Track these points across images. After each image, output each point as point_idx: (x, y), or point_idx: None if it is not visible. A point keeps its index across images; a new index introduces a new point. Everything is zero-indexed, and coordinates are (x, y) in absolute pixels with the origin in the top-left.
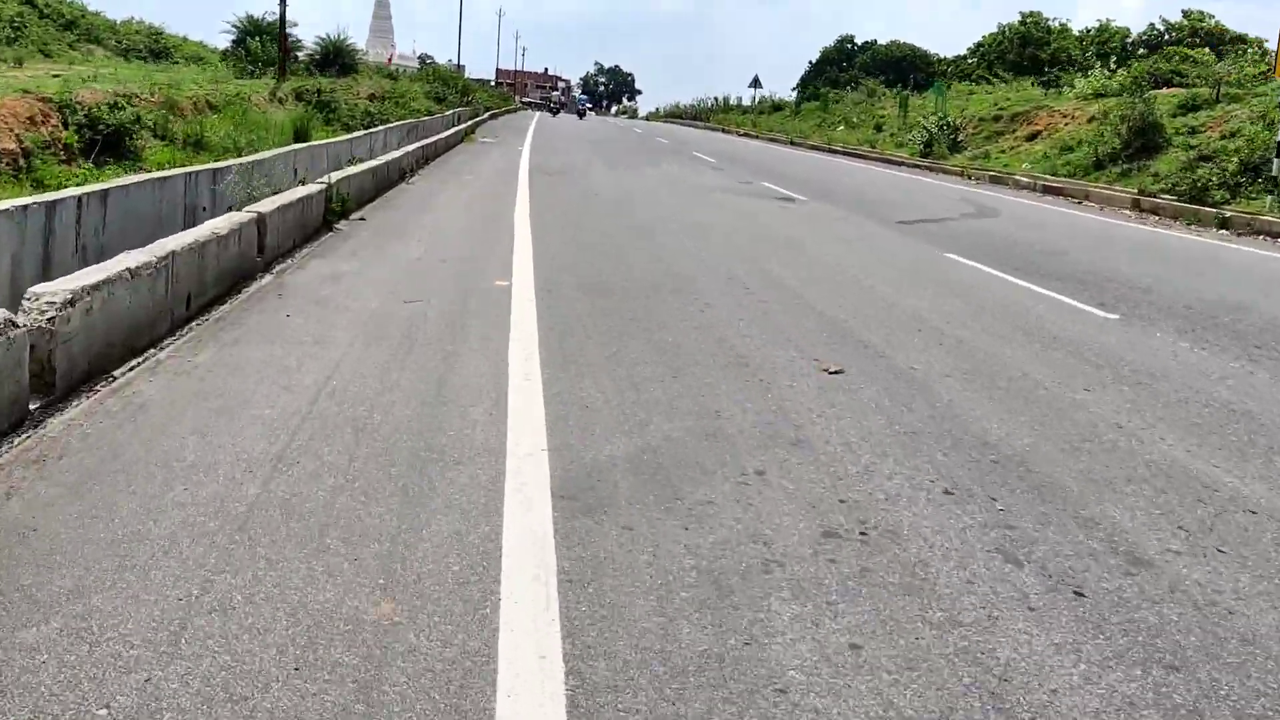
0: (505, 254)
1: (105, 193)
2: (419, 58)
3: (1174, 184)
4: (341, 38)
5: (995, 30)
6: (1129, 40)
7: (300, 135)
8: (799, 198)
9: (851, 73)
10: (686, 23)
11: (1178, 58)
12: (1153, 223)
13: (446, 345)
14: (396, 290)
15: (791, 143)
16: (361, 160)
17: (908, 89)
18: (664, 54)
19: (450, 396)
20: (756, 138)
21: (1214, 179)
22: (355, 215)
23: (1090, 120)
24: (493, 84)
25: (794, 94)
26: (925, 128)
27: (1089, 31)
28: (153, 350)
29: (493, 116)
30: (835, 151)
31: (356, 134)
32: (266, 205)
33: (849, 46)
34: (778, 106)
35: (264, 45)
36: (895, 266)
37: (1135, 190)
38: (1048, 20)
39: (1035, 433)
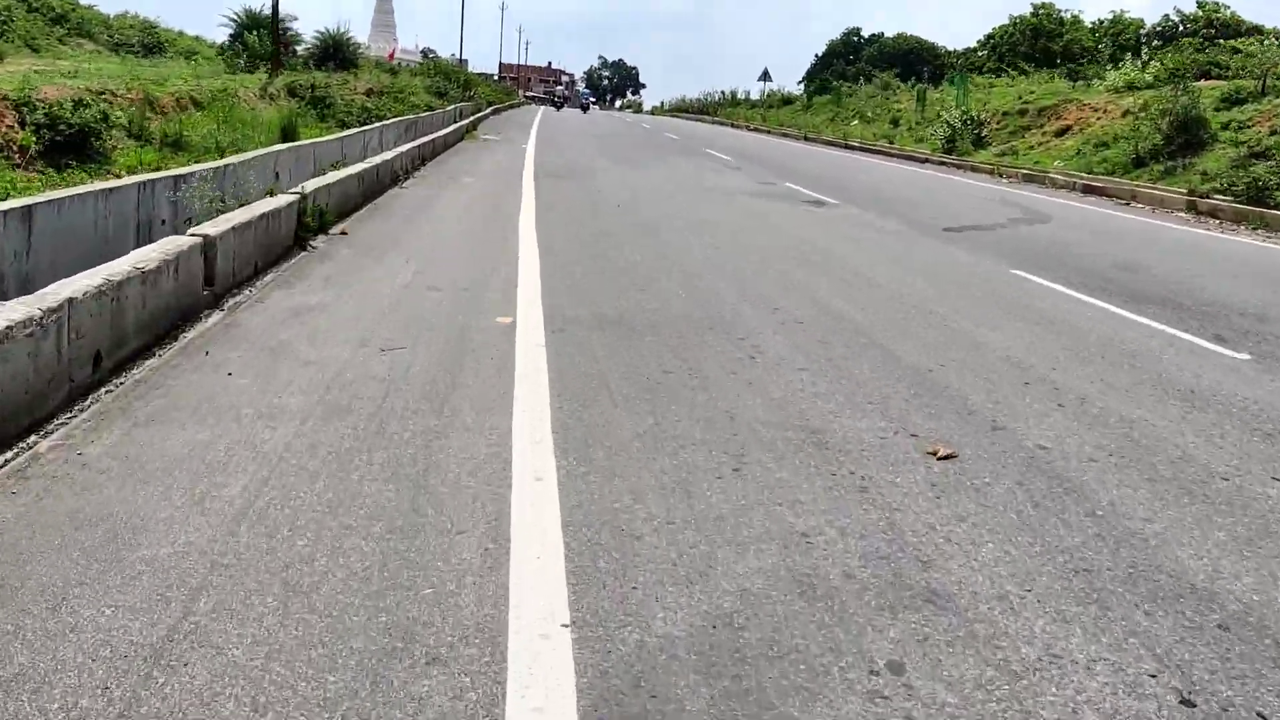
0: (508, 278)
1: (28, 210)
2: (422, 52)
3: (1229, 184)
4: (341, 32)
5: (1006, 22)
6: (1143, 32)
7: (288, 134)
8: (829, 200)
9: (859, 66)
10: (690, 16)
11: (1213, 48)
12: (1214, 227)
13: (430, 420)
14: (374, 331)
15: (805, 138)
16: (352, 161)
17: (923, 82)
18: (668, 48)
19: (429, 516)
20: (768, 133)
21: (1274, 179)
22: (336, 229)
23: (1125, 115)
24: (496, 78)
25: (801, 88)
26: (947, 122)
27: (1101, 23)
28: (34, 437)
29: (495, 112)
30: (851, 147)
31: (349, 132)
32: (217, 226)
33: (855, 39)
34: (787, 100)
35: (262, 40)
36: (964, 289)
37: (1186, 190)
38: (1060, 11)
39: (1252, 564)
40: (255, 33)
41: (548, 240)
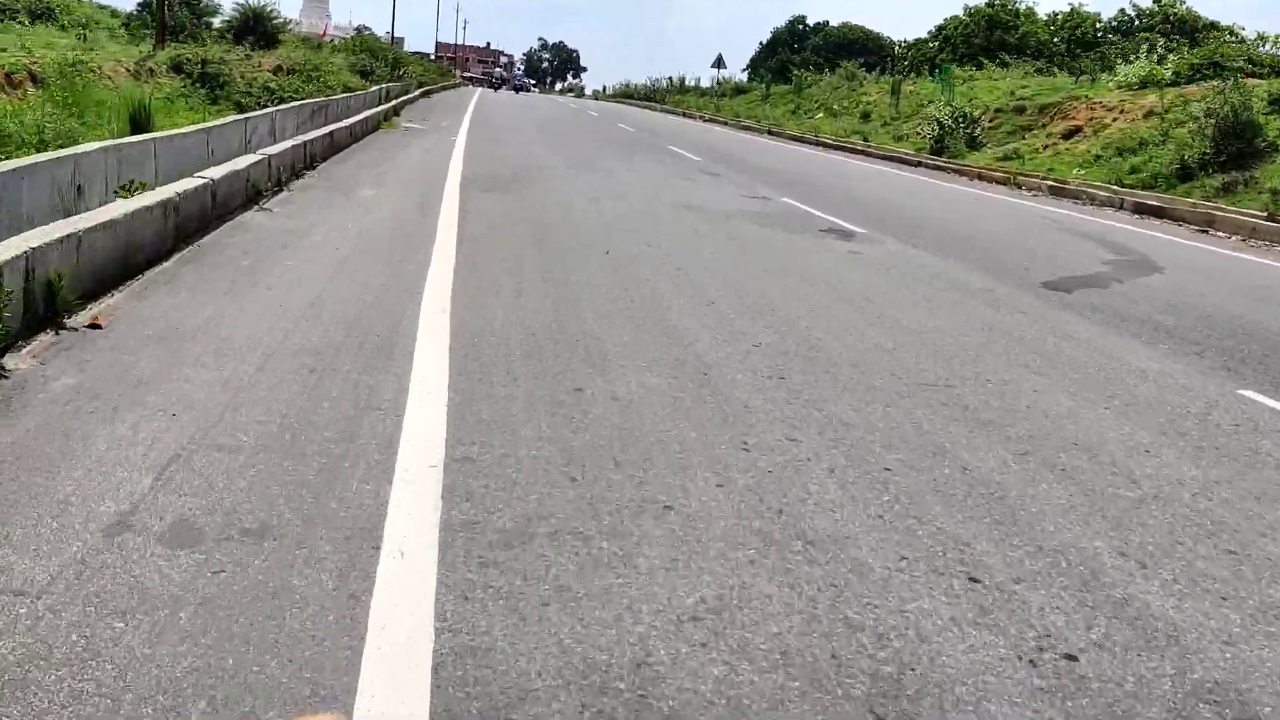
0: (378, 463)
1: None
2: (356, 30)
3: None
4: (262, 4)
5: (961, 13)
6: (1098, 26)
7: (138, 123)
8: (855, 229)
9: (804, 55)
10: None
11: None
12: None
13: None
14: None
15: (769, 132)
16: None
17: (898, 73)
18: (610, 31)
19: None
20: (725, 124)
21: None
22: (86, 314)
23: (1148, 115)
24: (432, 58)
25: (745, 75)
26: (936, 120)
27: (1057, 16)
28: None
29: (426, 94)
30: (824, 145)
31: (222, 121)
32: None
33: (800, 27)
34: (741, 89)
35: (175, 9)
36: (1229, 461)
37: (1265, 213)
38: (1014, 3)
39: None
40: (166, 1)
41: (469, 331)
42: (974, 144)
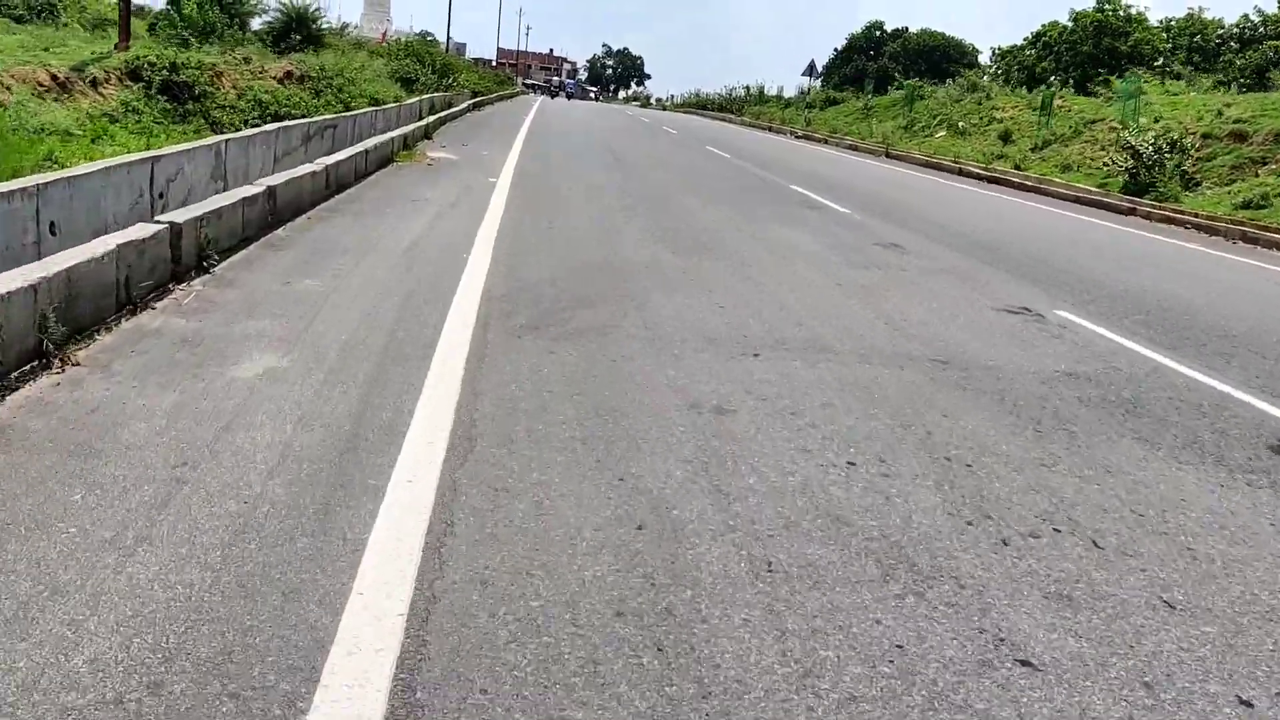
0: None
1: None
2: (419, 35)
3: None
4: (306, 5)
5: (1066, 18)
6: (1220, 33)
7: None
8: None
9: (881, 62)
10: (697, 4)
11: None
12: None
13: None
14: None
15: (888, 154)
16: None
17: (1050, 84)
18: (671, 39)
19: None
20: (823, 142)
21: None
22: None
23: None
24: (493, 64)
25: (819, 84)
26: (1132, 147)
27: (1172, 22)
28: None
29: (476, 106)
30: (969, 175)
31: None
32: None
33: (877, 34)
34: (832, 100)
35: (204, 8)
36: None
37: None
38: (1126, 8)
39: None
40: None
41: None
42: (1188, 182)
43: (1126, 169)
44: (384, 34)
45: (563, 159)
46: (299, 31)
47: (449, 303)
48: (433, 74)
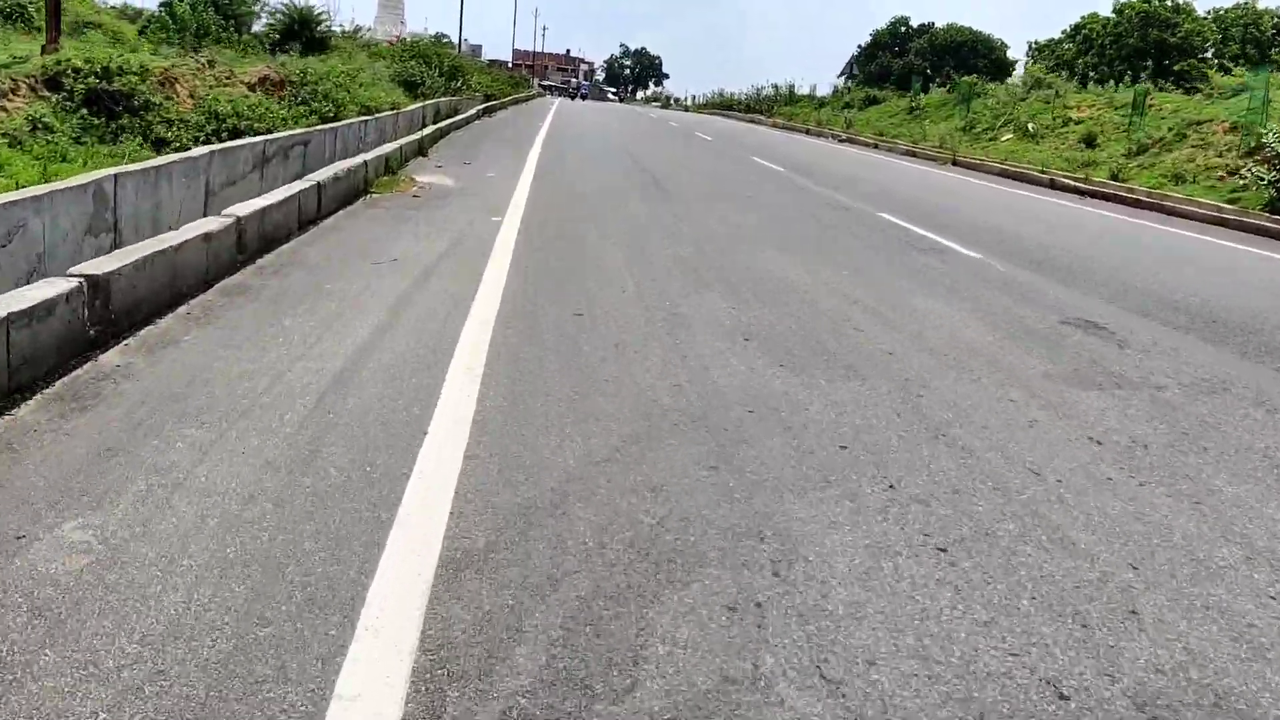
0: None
1: None
2: (434, 37)
3: None
4: (309, 6)
5: (1102, 10)
6: (1276, 23)
7: None
8: None
9: (907, 59)
10: (711, 2)
11: None
12: None
13: None
14: None
15: (955, 163)
16: None
17: (1142, 78)
18: (689, 38)
19: None
20: (872, 146)
21: None
22: None
23: None
24: (509, 66)
25: (842, 81)
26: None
27: (1224, 13)
28: None
29: (487, 113)
30: (1069, 188)
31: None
32: None
33: (903, 29)
34: (872, 99)
35: (197, 9)
36: None
37: None
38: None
39: None
40: (187, 1)
41: None
42: None
43: (1272, 182)
44: (398, 36)
45: (587, 181)
46: (302, 34)
47: (354, 626)
48: (440, 77)
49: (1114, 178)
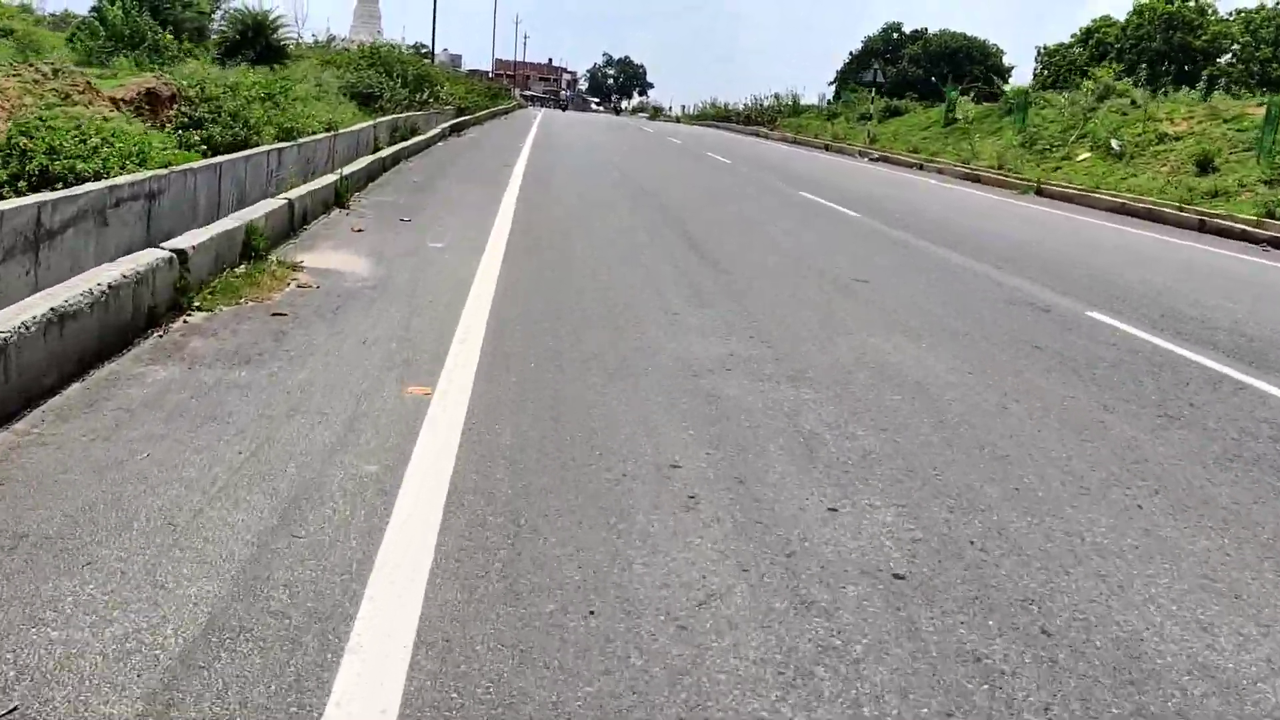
0: None
1: None
2: (411, 48)
3: None
4: (263, 12)
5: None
6: None
7: None
8: None
9: (900, 65)
10: (702, 10)
11: None
12: None
13: None
14: None
15: (1040, 192)
16: None
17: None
18: (675, 45)
19: None
20: (918, 167)
21: None
22: None
23: None
24: (489, 76)
25: (833, 90)
26: None
27: (1250, 16)
28: None
29: (455, 130)
30: (1230, 233)
31: None
32: None
33: (895, 35)
34: (894, 110)
35: (130, 14)
36: None
37: None
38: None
39: None
40: (119, 5)
41: None
42: None
43: None
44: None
45: (592, 248)
46: (256, 41)
47: None
48: (403, 88)
49: (1271, 215)
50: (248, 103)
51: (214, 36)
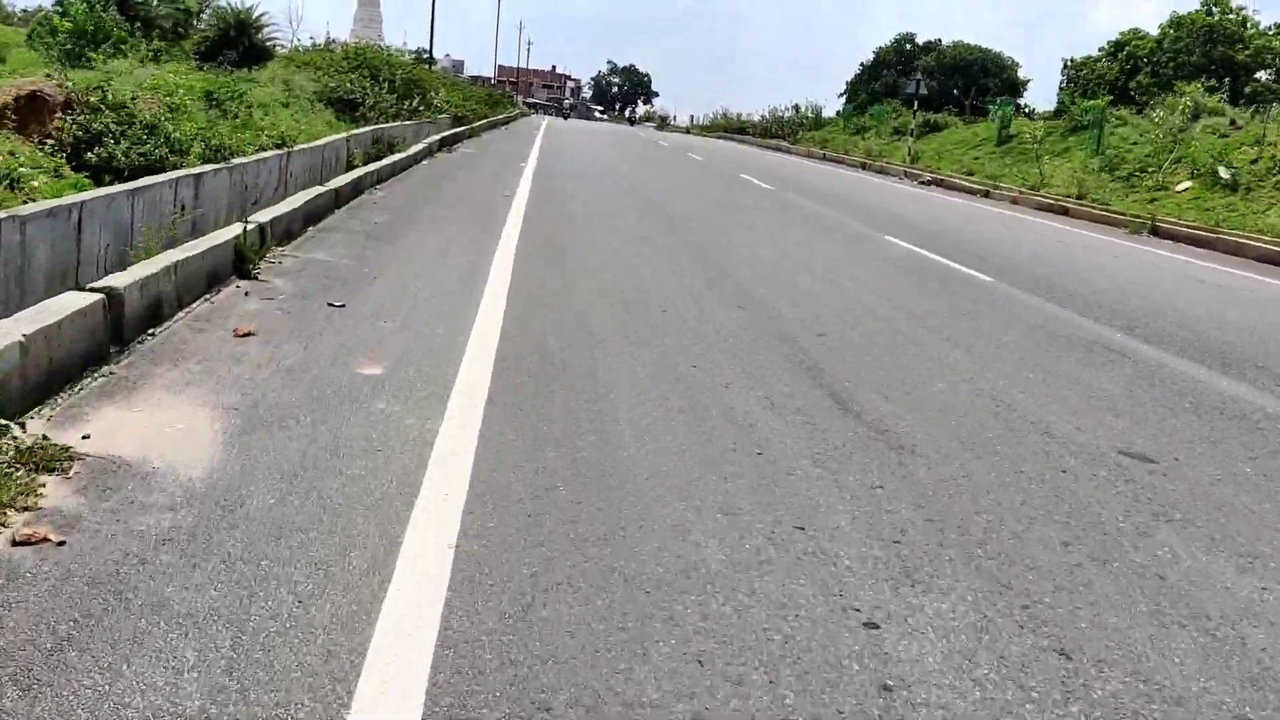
0: None
1: None
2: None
3: None
4: (247, 10)
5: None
6: None
7: None
8: None
9: (913, 77)
10: (704, 17)
11: None
12: None
13: None
14: None
15: (1154, 231)
16: None
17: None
18: (679, 54)
19: None
20: (984, 194)
21: None
22: None
23: None
24: (491, 82)
25: (843, 102)
26: None
27: None
28: None
29: (447, 143)
30: None
31: None
32: None
33: (908, 47)
34: (933, 125)
35: (94, 10)
36: None
37: None
38: (1239, 9)
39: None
40: (86, 2)
41: None
42: None
43: None
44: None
45: (625, 343)
46: (239, 41)
47: None
48: (391, 94)
49: None
50: (172, 111)
51: (195, 35)
